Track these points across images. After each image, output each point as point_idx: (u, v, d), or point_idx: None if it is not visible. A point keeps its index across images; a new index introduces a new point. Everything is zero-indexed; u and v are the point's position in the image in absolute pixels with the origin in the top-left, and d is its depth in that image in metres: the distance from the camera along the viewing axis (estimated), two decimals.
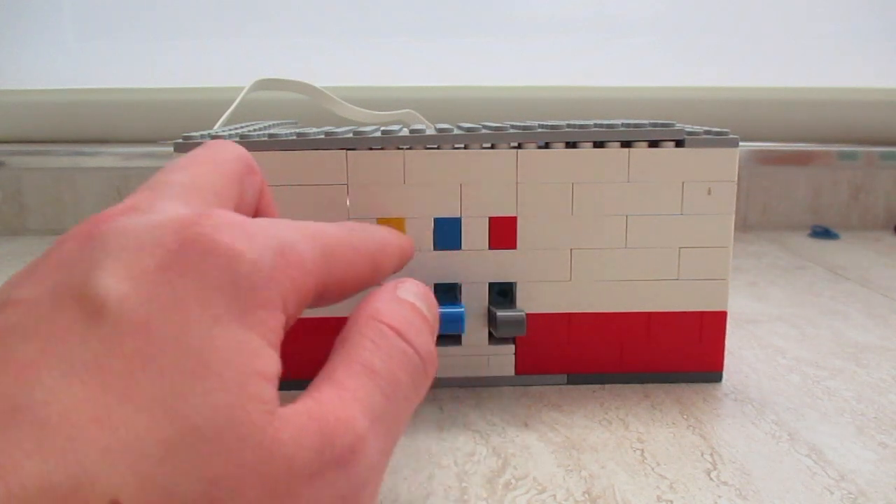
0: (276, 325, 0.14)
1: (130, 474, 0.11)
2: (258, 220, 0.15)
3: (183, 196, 0.16)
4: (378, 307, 0.17)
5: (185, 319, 0.13)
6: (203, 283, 0.13)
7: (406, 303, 0.17)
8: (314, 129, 0.29)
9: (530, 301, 0.28)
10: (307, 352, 0.17)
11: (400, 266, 0.21)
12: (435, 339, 0.18)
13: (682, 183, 0.27)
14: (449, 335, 0.28)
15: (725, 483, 0.21)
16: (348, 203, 0.27)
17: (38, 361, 0.12)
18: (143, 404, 0.12)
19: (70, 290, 0.13)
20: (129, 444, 0.11)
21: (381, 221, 0.27)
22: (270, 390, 0.13)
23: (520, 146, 0.27)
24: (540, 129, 0.27)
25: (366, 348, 0.15)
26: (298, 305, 0.15)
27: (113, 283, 0.13)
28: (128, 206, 0.15)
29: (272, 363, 0.13)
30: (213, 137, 0.27)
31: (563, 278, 0.28)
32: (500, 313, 0.27)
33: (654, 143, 0.27)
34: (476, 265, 0.28)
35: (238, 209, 0.18)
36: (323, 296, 0.16)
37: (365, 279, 0.18)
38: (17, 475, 0.10)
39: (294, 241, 0.15)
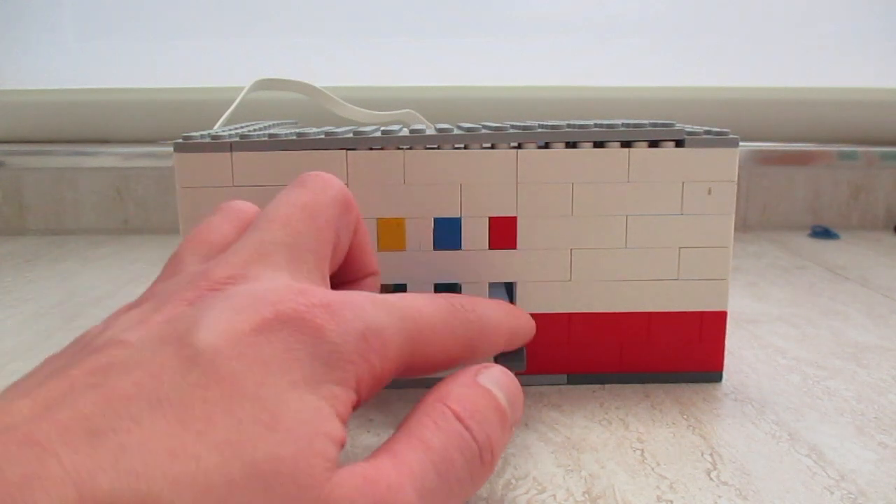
0: (346, 400, 0.15)
1: (193, 503, 0.12)
2: (353, 301, 0.16)
3: (285, 263, 0.17)
4: (449, 390, 0.17)
5: (266, 379, 0.14)
6: (287, 353, 0.15)
7: (481, 388, 0.17)
8: (314, 129, 0.29)
9: (530, 301, 0.28)
10: None
11: (510, 348, 0.22)
12: (507, 430, 0.18)
13: (682, 183, 0.27)
14: None
15: (725, 483, 0.21)
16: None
17: (130, 393, 0.13)
18: (215, 444, 0.13)
19: (172, 339, 0.14)
20: (197, 478, 0.12)
21: (381, 221, 0.27)
22: (333, 451, 0.14)
23: (520, 146, 0.27)
24: (540, 129, 0.27)
25: (426, 427, 0.16)
26: (373, 388, 0.16)
27: (210, 336, 0.14)
28: (234, 274, 0.17)
29: (338, 431, 0.14)
30: (214, 138, 0.27)
31: (563, 278, 0.28)
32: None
33: (654, 143, 0.27)
34: (476, 265, 0.28)
35: (334, 253, 0.20)
36: (406, 374, 0.17)
37: (457, 361, 0.19)
38: (91, 485, 0.11)
39: (382, 326, 0.16)
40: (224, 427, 0.13)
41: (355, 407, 0.16)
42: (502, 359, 0.26)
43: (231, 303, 0.15)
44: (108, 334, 0.15)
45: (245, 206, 0.21)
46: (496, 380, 0.18)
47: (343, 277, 0.22)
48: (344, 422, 0.15)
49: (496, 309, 0.21)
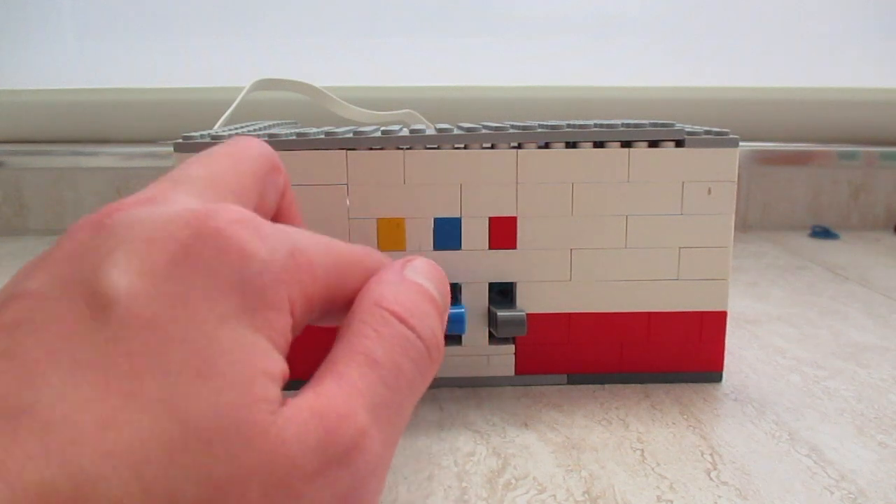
0: (283, 327, 0.14)
1: (133, 478, 0.11)
2: (272, 223, 0.15)
3: (200, 191, 0.16)
4: (382, 291, 0.16)
5: (193, 318, 0.13)
6: (213, 282, 0.13)
7: (412, 284, 0.17)
8: (314, 129, 0.29)
9: (530, 301, 0.28)
10: (314, 351, 0.17)
11: None
12: (444, 320, 0.17)
13: (682, 183, 0.27)
14: (450, 335, 0.28)
15: (725, 483, 0.21)
16: (348, 203, 0.27)
17: (44, 360, 0.12)
18: (146, 406, 0.12)
19: (79, 284, 0.13)
20: (132, 447, 0.11)
21: (381, 221, 0.27)
22: (275, 390, 0.13)
23: (520, 146, 0.27)
24: (540, 129, 0.27)
25: (367, 336, 0.15)
26: (305, 311, 0.15)
27: (122, 278, 0.13)
28: (143, 198, 0.15)
29: (278, 364, 0.13)
30: (214, 137, 0.27)
31: (563, 278, 0.28)
32: (501, 313, 0.27)
33: (654, 143, 0.27)
34: (476, 265, 0.28)
35: (258, 209, 0.18)
36: (328, 308, 0.16)
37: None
38: (20, 477, 0.10)
39: (306, 245, 0.15)
40: (153, 383, 0.12)
41: (293, 332, 0.14)
42: (504, 327, 0.26)
43: (140, 230, 0.13)
44: (8, 287, 0.13)
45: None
46: (422, 270, 0.17)
47: None
48: (283, 351, 0.14)
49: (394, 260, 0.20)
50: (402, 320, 0.15)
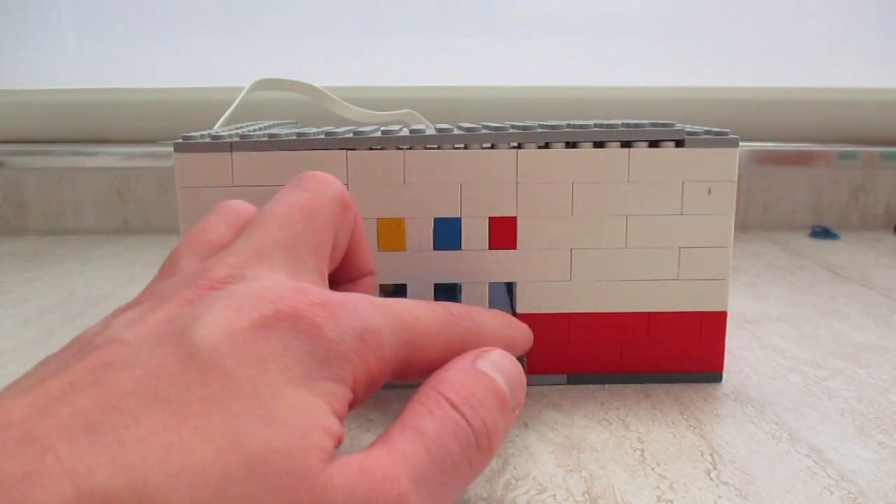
0: (343, 397, 0.15)
1: (189, 498, 0.12)
2: (352, 302, 0.16)
3: (283, 263, 0.18)
4: (444, 377, 0.17)
5: (263, 375, 0.14)
6: (285, 350, 0.15)
7: (479, 374, 0.17)
8: (314, 129, 0.29)
9: (530, 301, 0.28)
10: None
11: None
12: (509, 414, 0.17)
13: (682, 183, 0.27)
14: None
15: (725, 483, 0.21)
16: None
17: (128, 390, 0.13)
18: (211, 440, 0.13)
19: (170, 337, 0.14)
20: (193, 471, 0.12)
21: (381, 221, 0.27)
22: (329, 443, 0.14)
23: (520, 146, 0.27)
24: (540, 129, 0.27)
25: (421, 416, 0.16)
26: (368, 389, 0.16)
27: (208, 332, 0.14)
28: (232, 275, 0.17)
29: (334, 426, 0.15)
30: (214, 137, 0.27)
31: (563, 278, 0.28)
32: None
33: (654, 143, 0.27)
34: (476, 265, 0.28)
35: (332, 253, 0.20)
36: (400, 377, 0.18)
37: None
38: (88, 480, 0.11)
39: (379, 328, 0.16)
40: (220, 421, 0.13)
41: (351, 406, 0.16)
42: None
43: (230, 301, 0.15)
44: (107, 333, 0.15)
45: (242, 206, 0.21)
46: (495, 363, 0.18)
47: (340, 277, 0.22)
48: (340, 419, 0.15)
49: (493, 318, 0.21)
50: (454, 406, 0.16)
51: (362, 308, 0.16)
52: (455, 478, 0.16)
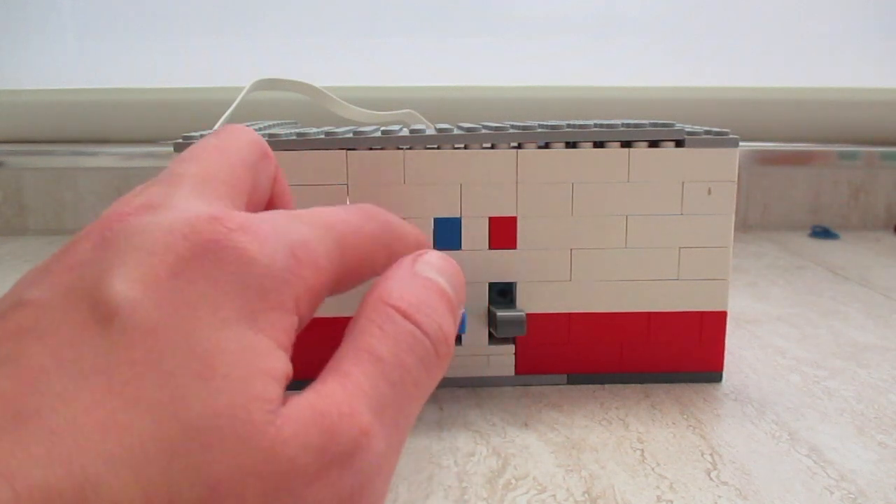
0: (287, 326, 0.14)
1: (133, 481, 0.11)
2: (271, 218, 0.15)
3: (197, 190, 0.16)
4: (389, 287, 0.16)
5: (194, 324, 0.13)
6: (213, 288, 0.13)
7: (422, 279, 0.16)
8: (314, 129, 0.29)
9: (530, 301, 0.28)
10: (320, 350, 0.17)
11: (414, 250, 0.20)
12: (458, 316, 0.17)
13: (682, 183, 0.27)
14: None
15: (725, 483, 0.21)
16: (348, 203, 0.27)
17: (48, 366, 0.12)
18: (147, 409, 0.12)
19: (82, 294, 0.13)
20: (133, 450, 0.11)
21: None
22: (276, 389, 0.13)
23: (520, 146, 0.27)
24: (540, 129, 0.27)
25: (372, 334, 0.15)
26: (312, 304, 0.15)
27: (125, 288, 0.13)
28: (142, 205, 0.15)
29: (281, 364, 0.13)
30: None
31: (563, 278, 0.28)
32: (501, 313, 0.27)
33: (654, 143, 0.27)
34: (476, 265, 0.28)
35: (251, 197, 0.18)
36: (337, 288, 0.16)
37: (381, 267, 0.17)
38: (25, 480, 0.10)
39: (307, 238, 0.15)
40: (154, 387, 0.12)
41: (297, 330, 0.15)
42: (504, 327, 0.26)
43: (140, 241, 0.14)
44: (11, 296, 0.14)
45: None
46: (435, 265, 0.17)
47: None
48: (287, 350, 0.14)
49: (395, 217, 0.19)
50: (407, 317, 0.15)
51: (283, 223, 0.15)
52: (416, 394, 0.15)
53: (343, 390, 0.14)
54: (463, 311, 0.18)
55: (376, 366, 0.14)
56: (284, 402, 0.13)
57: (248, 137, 0.19)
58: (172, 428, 0.12)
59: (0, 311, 0.13)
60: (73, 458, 0.11)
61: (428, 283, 0.16)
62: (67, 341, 0.12)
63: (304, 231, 0.15)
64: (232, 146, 0.18)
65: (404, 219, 0.27)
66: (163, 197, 0.15)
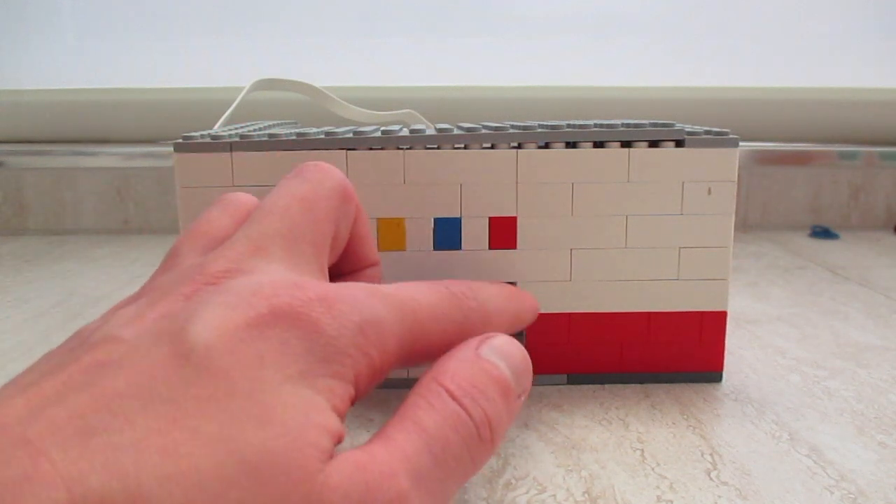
0: (343, 394, 0.15)
1: (184, 502, 0.12)
2: (351, 294, 0.16)
3: (282, 254, 0.17)
4: (445, 367, 0.17)
5: (260, 374, 0.14)
6: (283, 347, 0.14)
7: (481, 362, 0.17)
8: (314, 129, 0.29)
9: None
10: None
11: (513, 331, 0.21)
12: (512, 402, 0.17)
13: (682, 183, 0.27)
14: None
15: (725, 483, 0.21)
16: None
17: (123, 392, 0.13)
18: (207, 441, 0.13)
19: (167, 336, 0.14)
20: (188, 475, 0.12)
21: (381, 221, 0.27)
22: (328, 443, 0.14)
23: (520, 146, 0.27)
24: (540, 129, 0.27)
25: (420, 407, 0.16)
26: (372, 380, 0.16)
27: (203, 331, 0.14)
28: (230, 269, 0.16)
29: (334, 424, 0.14)
30: (214, 138, 0.27)
31: (563, 278, 0.28)
32: None
33: (654, 143, 0.27)
34: (476, 265, 0.28)
35: (334, 243, 0.20)
36: (407, 363, 0.17)
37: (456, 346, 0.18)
38: (82, 486, 0.11)
39: (379, 318, 0.16)
40: (215, 423, 0.13)
41: (353, 401, 0.16)
42: None
43: (225, 298, 0.15)
44: (103, 330, 0.15)
45: (244, 198, 0.21)
46: (499, 350, 0.17)
47: (343, 268, 0.22)
48: (341, 415, 0.15)
49: (497, 294, 0.20)
50: (453, 397, 0.16)
51: (361, 299, 0.16)
52: (456, 471, 0.15)
53: (386, 453, 0.14)
54: (523, 398, 0.18)
55: (420, 435, 0.15)
56: (332, 457, 0.14)
57: (332, 183, 0.20)
58: (228, 462, 0.12)
59: (92, 343, 0.14)
60: (129, 473, 0.12)
61: (486, 365, 0.17)
62: (145, 373, 0.13)
63: (378, 310, 0.16)
64: (317, 196, 0.19)
65: (404, 219, 0.27)
66: (250, 263, 0.17)
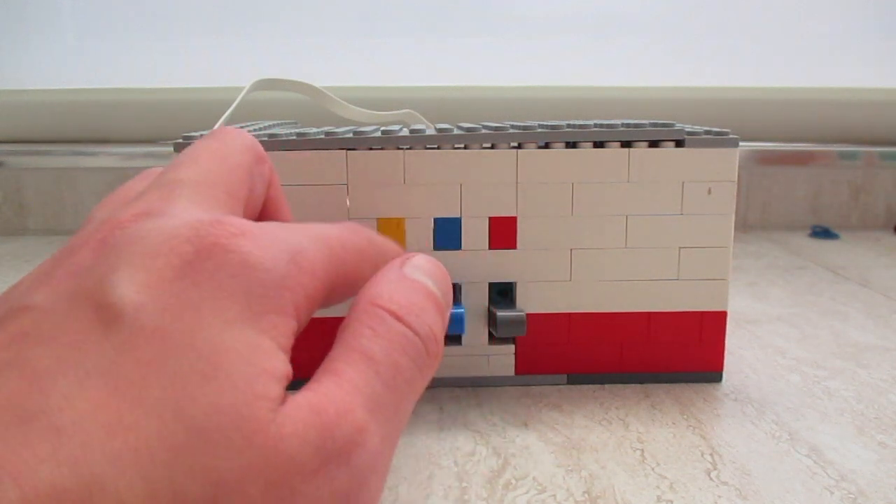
0: (287, 329, 0.14)
1: (139, 479, 0.11)
2: (270, 227, 0.15)
3: (195, 197, 0.16)
4: (379, 290, 0.16)
5: (198, 325, 0.13)
6: (217, 291, 0.14)
7: (411, 281, 0.17)
8: (314, 129, 0.29)
9: (530, 301, 0.28)
10: (315, 351, 0.17)
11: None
12: (446, 317, 0.17)
13: (682, 183, 0.27)
14: (450, 335, 0.28)
15: (725, 483, 0.21)
16: (348, 203, 0.27)
17: (53, 368, 0.12)
18: (152, 409, 0.12)
19: (86, 298, 0.13)
20: (139, 449, 0.11)
21: (381, 221, 0.27)
22: (277, 389, 0.13)
23: (520, 146, 0.27)
24: (540, 129, 0.27)
25: (364, 335, 0.15)
26: (309, 311, 0.15)
27: (129, 291, 0.13)
28: (141, 212, 0.15)
29: (281, 364, 0.14)
30: None
31: (563, 278, 0.28)
32: (500, 313, 0.27)
33: (654, 143, 0.27)
34: (476, 265, 0.28)
35: (248, 202, 0.19)
36: (330, 298, 0.17)
37: (367, 280, 0.18)
38: (32, 480, 0.11)
39: (305, 247, 0.15)
40: (159, 388, 0.12)
41: (295, 335, 0.15)
42: (504, 327, 0.26)
43: (143, 245, 0.14)
44: (10, 300, 0.14)
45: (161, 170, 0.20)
46: (423, 269, 0.17)
47: None
48: (287, 352, 0.14)
49: (379, 235, 0.20)
50: (398, 318, 0.16)
51: (283, 232, 0.16)
52: (409, 393, 0.15)
53: (338, 389, 0.14)
54: (452, 311, 0.18)
55: (369, 365, 0.15)
56: (283, 401, 0.13)
57: (243, 141, 0.19)
58: (177, 427, 0.12)
59: (1, 316, 0.13)
60: (78, 458, 0.11)
61: (416, 284, 0.17)
62: (71, 344, 0.12)
63: (302, 240, 0.16)
64: (229, 150, 0.19)
65: (404, 219, 0.27)
66: (162, 204, 0.16)
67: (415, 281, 0.17)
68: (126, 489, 0.11)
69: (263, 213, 0.21)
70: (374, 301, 0.16)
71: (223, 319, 0.13)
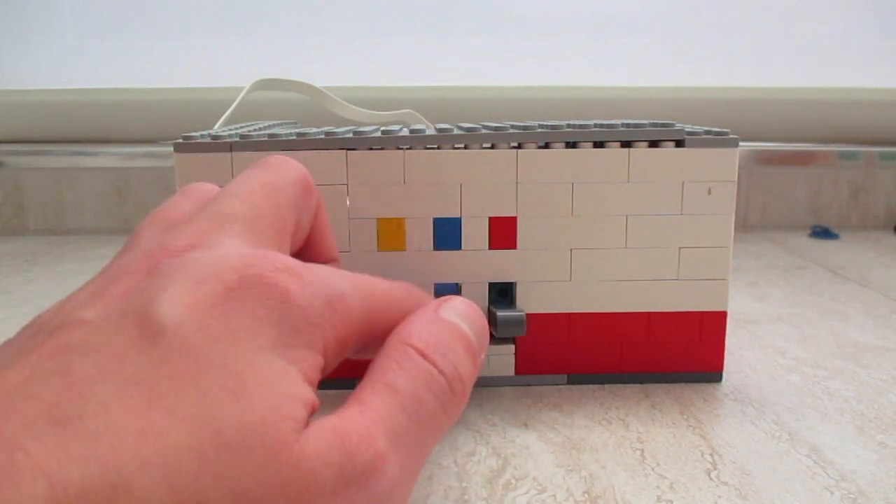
0: (314, 363, 0.15)
1: (165, 484, 0.12)
2: (316, 268, 0.16)
3: (244, 234, 0.17)
4: (410, 329, 0.17)
5: (233, 347, 0.14)
6: (253, 319, 0.14)
7: (443, 322, 0.17)
8: (314, 129, 0.29)
9: (530, 301, 0.28)
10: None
11: None
12: (478, 359, 0.18)
13: (682, 183, 0.27)
14: None
15: (725, 483, 0.21)
16: (348, 203, 0.27)
17: (94, 376, 0.13)
18: (182, 420, 0.12)
19: (132, 315, 0.14)
20: (166, 456, 0.12)
21: (381, 221, 0.27)
22: (302, 412, 0.14)
23: (520, 146, 0.27)
24: (540, 129, 0.27)
25: (391, 369, 0.16)
26: (338, 353, 0.16)
27: (172, 310, 0.14)
28: (191, 243, 0.16)
29: (307, 394, 0.14)
30: (214, 138, 0.27)
31: (563, 278, 0.28)
32: (501, 313, 0.27)
33: (654, 143, 0.27)
34: (476, 265, 0.28)
35: (295, 234, 0.19)
36: (363, 346, 0.17)
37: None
38: (62, 477, 0.11)
39: (344, 292, 0.16)
40: (190, 400, 0.13)
41: (323, 373, 0.16)
42: (504, 327, 0.26)
43: (191, 272, 0.15)
44: (64, 313, 0.15)
45: (207, 187, 0.21)
46: (457, 310, 0.18)
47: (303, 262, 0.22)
48: (313, 385, 0.15)
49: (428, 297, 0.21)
50: (423, 355, 0.16)
51: (326, 273, 0.16)
52: (431, 428, 0.16)
53: (362, 416, 0.15)
54: (483, 355, 0.18)
55: (393, 397, 0.15)
56: (307, 425, 0.14)
57: (294, 174, 0.20)
58: (205, 438, 0.12)
59: (50, 328, 0.14)
60: (108, 459, 0.12)
61: (448, 325, 0.17)
62: (114, 356, 0.13)
63: (343, 286, 0.16)
64: (278, 183, 0.19)
65: (404, 219, 0.27)
66: (213, 237, 0.16)
67: (448, 322, 0.17)
68: (151, 492, 0.12)
69: (308, 242, 0.21)
70: (404, 339, 0.17)
71: (256, 345, 0.14)
